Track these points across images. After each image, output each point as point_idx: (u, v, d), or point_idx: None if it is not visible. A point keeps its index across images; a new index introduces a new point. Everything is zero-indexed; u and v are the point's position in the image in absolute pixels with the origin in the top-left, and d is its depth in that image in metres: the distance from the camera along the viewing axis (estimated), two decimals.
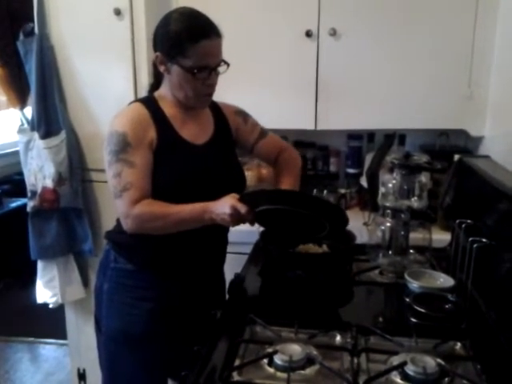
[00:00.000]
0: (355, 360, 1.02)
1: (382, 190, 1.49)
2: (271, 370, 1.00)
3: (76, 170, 2.04)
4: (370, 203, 1.54)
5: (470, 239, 1.26)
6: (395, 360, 1.01)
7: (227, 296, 1.42)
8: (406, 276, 1.36)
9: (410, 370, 0.96)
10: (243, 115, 1.54)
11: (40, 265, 2.13)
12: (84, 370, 2.32)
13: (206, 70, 1.29)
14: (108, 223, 1.69)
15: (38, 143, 2.01)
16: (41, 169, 2.02)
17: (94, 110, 2.02)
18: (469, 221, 1.37)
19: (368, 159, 1.92)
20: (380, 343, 1.10)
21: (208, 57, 1.28)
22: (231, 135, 1.50)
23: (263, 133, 1.56)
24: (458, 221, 1.40)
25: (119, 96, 1.90)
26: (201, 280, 1.45)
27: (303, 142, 2.31)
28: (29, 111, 2.33)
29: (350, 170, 2.26)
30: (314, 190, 2.14)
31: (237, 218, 1.22)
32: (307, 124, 2.04)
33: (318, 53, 1.97)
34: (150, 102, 1.37)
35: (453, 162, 1.70)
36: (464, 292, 1.29)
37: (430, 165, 1.46)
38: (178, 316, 1.41)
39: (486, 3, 1.84)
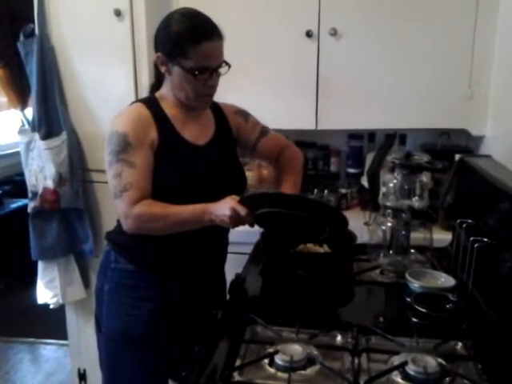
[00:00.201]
0: (356, 360, 1.02)
1: (382, 189, 1.49)
2: (272, 370, 1.00)
3: (77, 170, 2.04)
4: (371, 203, 1.54)
5: (471, 239, 1.26)
6: (396, 360, 1.01)
7: (228, 296, 1.42)
8: (407, 276, 1.36)
9: (410, 369, 0.96)
10: (244, 114, 1.54)
11: (41, 265, 2.13)
12: (84, 371, 2.32)
13: (207, 71, 1.29)
14: (109, 224, 1.69)
15: (39, 144, 2.01)
16: (41, 169, 2.02)
17: (94, 111, 2.02)
18: (470, 220, 1.37)
19: (369, 159, 1.92)
20: (381, 343, 1.10)
21: (209, 58, 1.28)
22: (232, 135, 1.50)
23: (264, 131, 1.56)
24: (458, 220, 1.39)
25: (120, 97, 1.90)
26: (201, 280, 1.45)
27: (304, 141, 2.31)
28: (29, 112, 2.33)
29: (351, 170, 2.26)
30: (315, 190, 2.14)
31: (236, 220, 1.22)
32: (308, 124, 2.04)
33: (319, 53, 1.97)
34: (151, 103, 1.37)
35: (454, 162, 1.70)
36: (465, 292, 1.29)
37: (431, 164, 1.45)
38: (178, 316, 1.41)
39: (487, 3, 1.84)
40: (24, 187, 2.13)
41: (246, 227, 1.30)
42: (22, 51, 1.99)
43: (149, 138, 1.30)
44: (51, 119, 2.01)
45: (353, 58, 1.97)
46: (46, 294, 2.14)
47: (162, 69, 1.33)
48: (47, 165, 2.00)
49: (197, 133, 1.40)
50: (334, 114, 2.01)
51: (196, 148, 1.38)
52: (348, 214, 1.31)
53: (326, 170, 2.31)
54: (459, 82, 1.92)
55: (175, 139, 1.35)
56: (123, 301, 1.39)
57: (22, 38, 1.99)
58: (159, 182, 1.31)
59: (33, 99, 2.03)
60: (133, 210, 1.26)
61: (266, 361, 1.02)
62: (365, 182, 1.73)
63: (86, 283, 2.19)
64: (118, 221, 1.38)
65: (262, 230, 1.45)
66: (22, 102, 3.18)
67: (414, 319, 1.21)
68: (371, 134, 2.23)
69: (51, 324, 2.68)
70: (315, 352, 1.04)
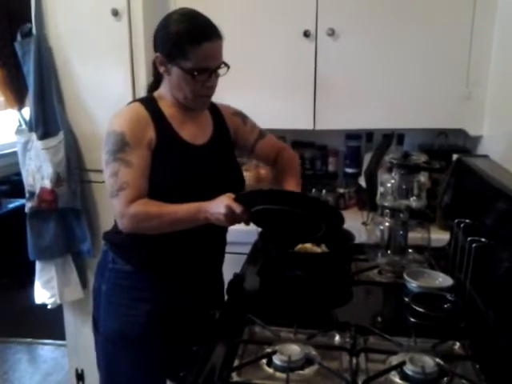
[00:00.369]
0: (354, 360, 1.02)
1: (380, 189, 1.49)
2: (270, 370, 1.00)
3: (74, 170, 2.04)
4: (369, 203, 1.54)
5: (469, 239, 1.26)
6: (394, 360, 1.01)
7: (226, 296, 1.42)
8: (405, 275, 1.36)
9: (408, 369, 0.96)
10: (242, 116, 1.54)
11: (38, 265, 2.13)
12: (82, 371, 2.32)
13: (206, 72, 1.29)
14: (106, 224, 1.68)
15: (36, 144, 2.01)
16: (39, 169, 2.02)
17: (92, 111, 2.02)
18: (467, 220, 1.37)
19: (366, 159, 1.93)
20: (379, 343, 1.10)
21: (208, 59, 1.28)
22: (230, 136, 1.50)
23: (262, 133, 1.57)
24: (456, 220, 1.40)
25: (117, 96, 1.90)
26: (199, 280, 1.45)
27: (302, 141, 2.31)
28: (27, 112, 2.32)
29: (349, 170, 2.26)
30: (313, 190, 2.14)
31: (232, 218, 1.22)
32: (306, 124, 2.04)
33: (316, 53, 1.97)
34: (149, 102, 1.36)
35: (451, 162, 1.70)
36: (463, 291, 1.29)
37: (429, 164, 1.46)
38: (176, 317, 1.40)
39: (484, 3, 1.84)
40: (21, 187, 2.12)
41: (244, 227, 1.30)
42: (19, 51, 1.99)
43: (146, 137, 1.30)
44: (48, 119, 2.00)
45: (350, 57, 1.97)
46: (43, 294, 2.14)
47: (161, 69, 1.33)
48: (44, 165, 2.00)
49: (195, 133, 1.40)
50: (332, 114, 2.02)
51: (194, 148, 1.38)
52: (346, 214, 1.31)
53: (323, 170, 2.31)
54: (457, 82, 1.92)
55: (173, 139, 1.35)
56: (121, 301, 1.39)
57: (19, 37, 1.98)
58: (157, 181, 1.31)
59: (30, 99, 2.02)
60: (128, 209, 1.25)
61: (264, 361, 1.02)
62: (363, 181, 1.73)
63: (84, 283, 2.18)
64: (116, 221, 1.38)
65: (259, 229, 1.44)
66: (20, 102, 3.17)
67: (412, 319, 1.22)
68: (369, 134, 2.23)
69: (49, 324, 2.67)
70: (313, 352, 1.04)
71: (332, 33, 1.93)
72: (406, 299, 1.29)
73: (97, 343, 1.49)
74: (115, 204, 1.28)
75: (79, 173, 2.06)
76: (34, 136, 2.02)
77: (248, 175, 2.07)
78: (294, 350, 1.02)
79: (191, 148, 1.37)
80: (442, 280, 1.35)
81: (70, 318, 2.28)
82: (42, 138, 2.00)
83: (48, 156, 1.98)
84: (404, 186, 1.46)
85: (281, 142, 1.64)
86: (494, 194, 1.27)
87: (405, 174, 1.46)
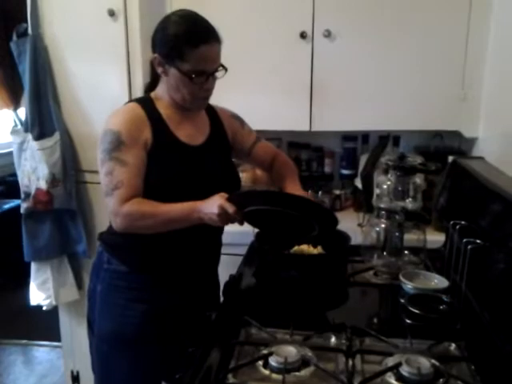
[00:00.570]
0: (350, 361, 1.02)
1: (376, 191, 1.50)
2: (266, 371, 1.00)
3: (70, 171, 2.03)
4: (365, 204, 1.54)
5: (464, 240, 1.27)
6: (390, 361, 1.01)
7: (222, 297, 1.42)
8: (401, 277, 1.36)
9: (404, 371, 0.96)
10: (240, 119, 1.55)
11: (34, 267, 2.12)
12: (78, 373, 2.31)
13: (203, 75, 1.29)
14: (102, 225, 1.68)
15: (32, 144, 2.00)
16: (34, 170, 2.01)
17: (88, 111, 2.01)
18: (463, 222, 1.37)
19: (362, 160, 1.93)
20: (375, 344, 1.10)
21: (206, 62, 1.28)
22: (227, 138, 1.50)
23: (258, 137, 1.58)
24: (452, 222, 1.40)
25: (113, 97, 1.90)
26: (195, 281, 1.44)
27: (298, 143, 2.31)
28: (22, 112, 2.32)
29: (345, 172, 2.27)
30: (309, 191, 2.14)
31: (225, 218, 1.22)
32: (302, 125, 2.04)
33: (313, 54, 1.97)
34: (146, 102, 1.36)
35: (447, 164, 1.71)
36: (458, 293, 1.30)
37: (425, 166, 1.46)
38: (171, 318, 1.40)
39: (480, 5, 1.85)
40: (17, 188, 2.11)
41: (239, 228, 1.30)
42: (14, 51, 1.98)
43: (142, 137, 1.30)
44: (44, 119, 2.00)
45: (347, 59, 1.97)
46: (38, 295, 2.13)
47: (159, 70, 1.33)
48: (40, 165, 1.99)
49: (191, 133, 1.39)
50: (328, 116, 2.02)
51: (190, 148, 1.38)
52: (342, 216, 1.31)
53: (319, 172, 2.31)
54: (452, 84, 1.93)
55: (169, 139, 1.35)
56: (116, 302, 1.39)
57: (14, 37, 1.98)
58: (152, 181, 1.30)
59: (26, 99, 2.02)
60: (122, 208, 1.25)
61: (261, 362, 1.02)
62: (359, 183, 1.74)
63: (80, 284, 2.18)
64: (111, 221, 1.38)
65: (255, 231, 1.44)
66: (15, 102, 3.17)
67: (408, 320, 1.22)
68: (365, 136, 2.24)
69: (44, 326, 2.66)
70: (309, 353, 1.04)
71: (328, 34, 1.93)
72: (402, 301, 1.29)
73: (92, 345, 1.49)
74: (109, 203, 1.28)
75: (75, 173, 2.05)
76: (29, 136, 2.01)
77: (244, 176, 2.07)
78: (290, 351, 1.02)
79: (187, 148, 1.37)
80: (438, 281, 1.36)
81: (65, 320, 2.27)
82: (37, 138, 1.99)
83: (44, 157, 1.98)
84: (400, 188, 1.47)
85: (275, 148, 1.65)
86: (490, 196, 1.27)
87: (401, 176, 1.46)
